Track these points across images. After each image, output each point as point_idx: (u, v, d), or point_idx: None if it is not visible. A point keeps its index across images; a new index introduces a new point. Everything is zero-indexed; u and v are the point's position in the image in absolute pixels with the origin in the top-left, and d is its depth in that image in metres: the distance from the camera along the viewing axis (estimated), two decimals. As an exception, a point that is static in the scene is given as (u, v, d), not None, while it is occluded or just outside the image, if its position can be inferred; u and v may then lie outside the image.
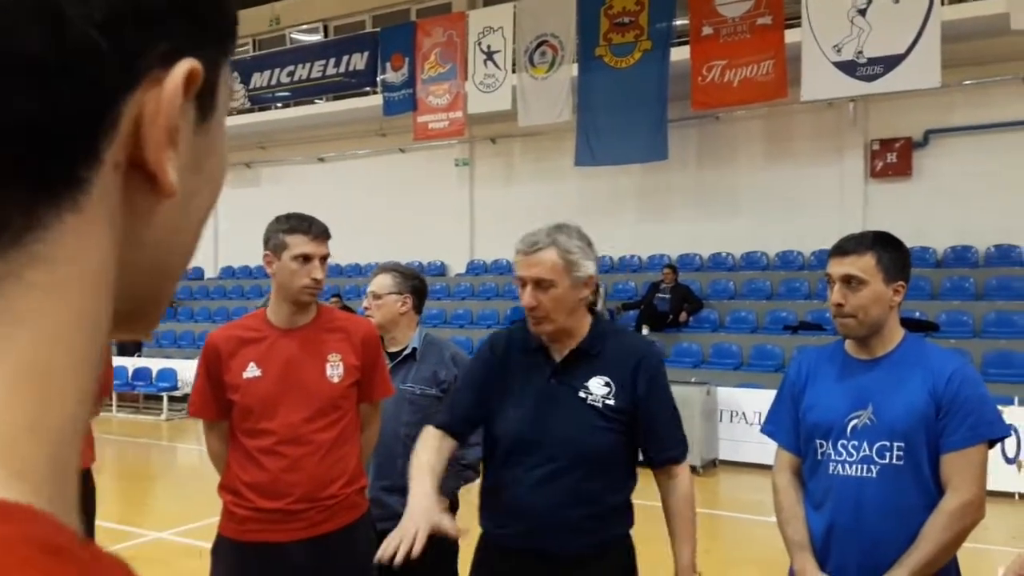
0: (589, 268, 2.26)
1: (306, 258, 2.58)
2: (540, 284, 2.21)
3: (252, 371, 2.57)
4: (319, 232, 2.63)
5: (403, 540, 1.96)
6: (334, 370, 2.64)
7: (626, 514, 2.35)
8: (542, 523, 2.21)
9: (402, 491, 3.04)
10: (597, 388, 2.26)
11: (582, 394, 2.26)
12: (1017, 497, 7.45)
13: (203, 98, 0.40)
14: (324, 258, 2.64)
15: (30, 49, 0.33)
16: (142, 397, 13.43)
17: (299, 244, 2.58)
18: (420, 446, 2.32)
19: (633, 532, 2.40)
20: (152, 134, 0.37)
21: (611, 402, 2.26)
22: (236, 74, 15.90)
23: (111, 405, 13.22)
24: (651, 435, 2.32)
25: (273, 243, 2.61)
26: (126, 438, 11.14)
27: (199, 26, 0.39)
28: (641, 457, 2.37)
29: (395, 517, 3.10)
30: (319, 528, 2.54)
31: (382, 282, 3.31)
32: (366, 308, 3.33)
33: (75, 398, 0.36)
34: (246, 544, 2.54)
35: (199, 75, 0.38)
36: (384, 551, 1.95)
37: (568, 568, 2.24)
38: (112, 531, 6.17)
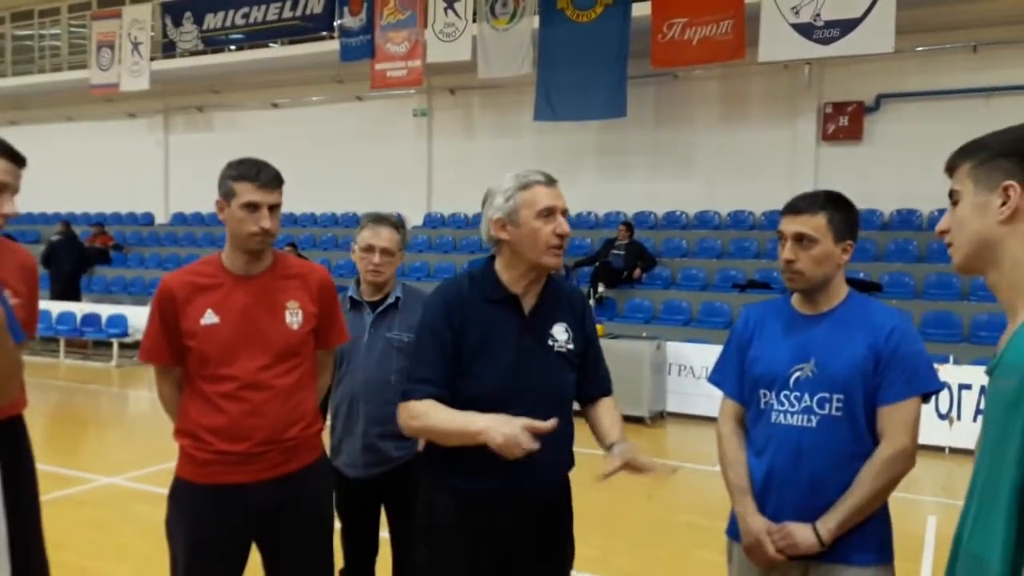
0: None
1: (254, 206, 2.49)
2: (565, 214, 2.29)
3: (210, 318, 2.53)
4: (268, 179, 2.52)
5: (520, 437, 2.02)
6: (293, 317, 2.62)
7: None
8: (525, 470, 2.17)
9: (395, 436, 3.02)
10: (560, 335, 2.34)
11: (550, 342, 2.32)
12: (947, 451, 7.77)
13: None
14: (274, 207, 2.54)
15: None
16: (91, 344, 13.23)
17: (246, 192, 2.49)
18: (433, 412, 2.22)
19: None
20: None
21: (571, 346, 2.35)
22: (189, 14, 15.45)
23: (58, 352, 13.01)
24: (592, 370, 2.45)
25: (223, 190, 2.53)
26: (75, 384, 11.00)
27: None
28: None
29: (389, 462, 3.14)
30: (280, 469, 2.56)
31: (393, 237, 3.18)
32: (377, 266, 3.15)
33: None
34: (207, 486, 2.53)
35: None
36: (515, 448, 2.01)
37: (545, 510, 2.33)
38: (63, 476, 6.14)
